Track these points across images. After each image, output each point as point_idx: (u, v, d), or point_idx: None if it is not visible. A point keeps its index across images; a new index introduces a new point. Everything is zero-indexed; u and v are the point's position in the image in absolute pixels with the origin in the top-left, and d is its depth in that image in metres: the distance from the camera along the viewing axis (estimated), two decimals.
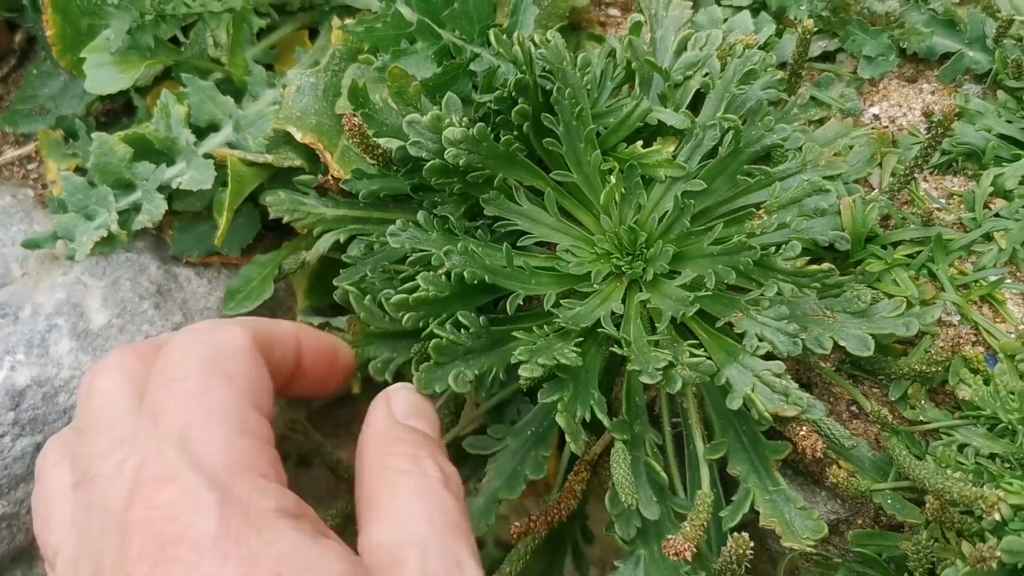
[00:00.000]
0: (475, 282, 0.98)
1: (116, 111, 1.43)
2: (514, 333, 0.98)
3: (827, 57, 1.25)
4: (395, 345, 1.04)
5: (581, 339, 1.00)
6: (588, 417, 0.96)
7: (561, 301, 1.03)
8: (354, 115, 1.01)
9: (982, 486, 0.91)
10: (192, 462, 0.64)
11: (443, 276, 0.98)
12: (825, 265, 0.99)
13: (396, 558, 0.68)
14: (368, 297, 1.03)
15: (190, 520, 0.61)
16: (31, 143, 1.42)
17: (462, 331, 0.96)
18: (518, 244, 1.10)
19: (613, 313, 1.03)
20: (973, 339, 1.01)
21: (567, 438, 0.93)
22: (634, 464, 0.99)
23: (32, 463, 1.16)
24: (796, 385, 0.95)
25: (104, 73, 1.19)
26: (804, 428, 0.94)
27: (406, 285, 0.99)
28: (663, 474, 0.99)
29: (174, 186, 1.12)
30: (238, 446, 0.67)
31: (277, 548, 0.62)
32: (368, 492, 0.76)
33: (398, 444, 0.79)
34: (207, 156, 1.16)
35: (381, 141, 1.07)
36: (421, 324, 0.97)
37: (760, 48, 1.19)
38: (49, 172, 1.37)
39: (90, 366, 1.00)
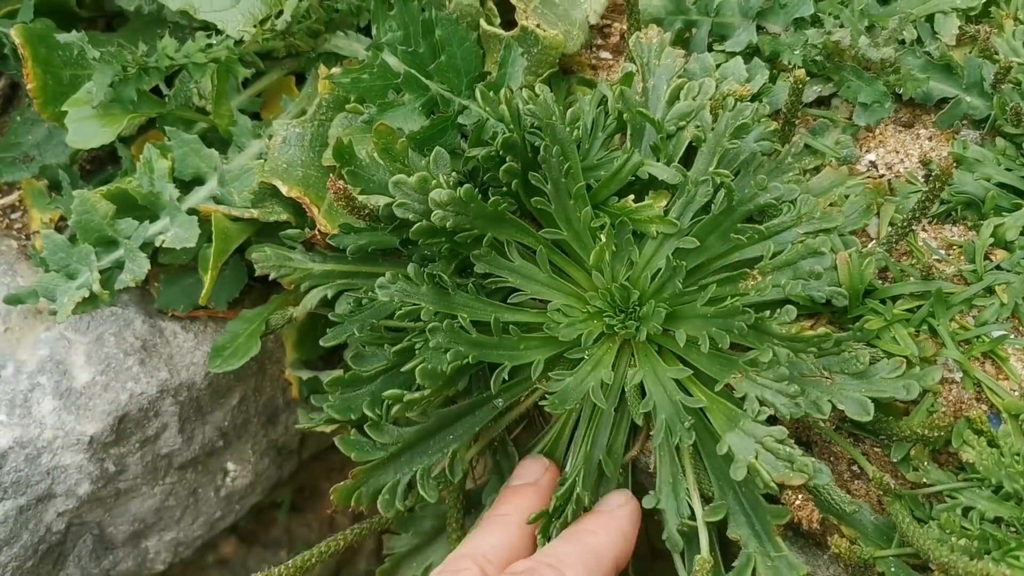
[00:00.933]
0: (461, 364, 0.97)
1: (102, 158, 1.41)
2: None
3: (822, 101, 1.23)
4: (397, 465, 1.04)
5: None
6: None
7: (550, 373, 1.01)
8: (339, 179, 0.99)
9: (988, 554, 0.89)
10: None
11: (438, 368, 0.96)
12: (821, 330, 0.97)
13: None
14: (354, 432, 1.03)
15: None
16: (15, 192, 1.40)
17: None
18: (509, 301, 1.08)
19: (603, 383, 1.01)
20: (976, 397, 0.99)
21: None
22: None
23: (15, 526, 1.14)
24: (800, 450, 0.92)
25: (86, 127, 1.16)
26: (800, 496, 0.92)
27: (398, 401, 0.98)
28: None
29: (157, 244, 1.10)
30: None
31: None
32: None
33: None
34: (191, 211, 1.14)
35: (368, 199, 1.05)
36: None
37: (754, 96, 1.18)
38: (33, 222, 1.35)
39: None
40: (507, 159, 1.04)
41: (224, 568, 1.65)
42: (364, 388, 1.05)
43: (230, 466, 1.34)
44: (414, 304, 1.00)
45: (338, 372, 1.18)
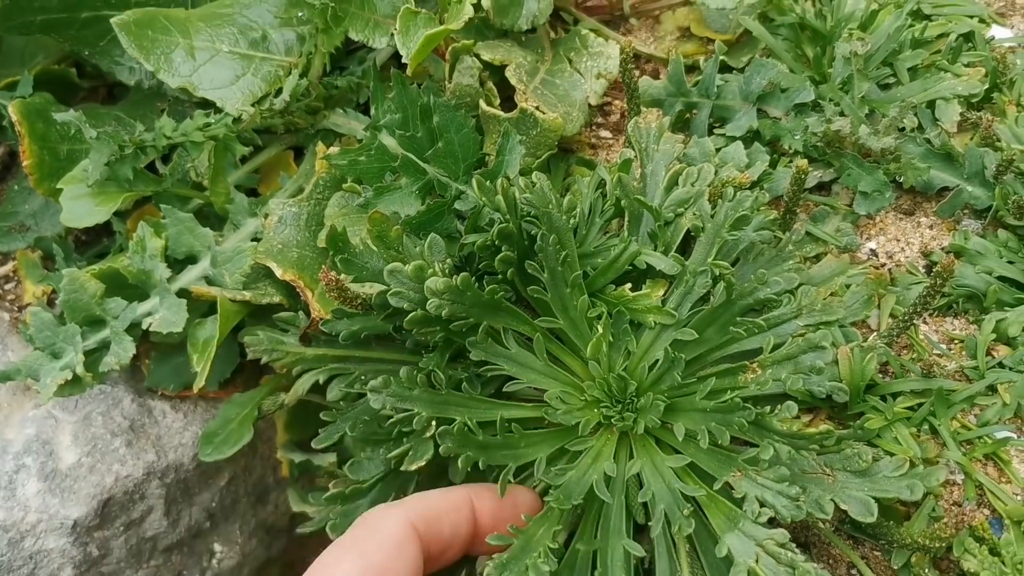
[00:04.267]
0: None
1: (97, 230, 1.39)
2: None
3: (823, 187, 1.22)
4: None
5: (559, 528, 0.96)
6: None
7: (552, 468, 0.99)
8: (330, 271, 0.97)
9: None
10: None
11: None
12: (823, 428, 0.95)
13: None
14: None
15: None
16: (10, 262, 1.39)
17: None
18: (504, 390, 1.06)
19: (605, 475, 0.99)
20: (978, 501, 0.97)
21: None
22: None
23: None
24: (802, 555, 0.90)
25: (80, 206, 1.16)
26: None
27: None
28: None
29: (144, 326, 1.08)
30: None
31: None
32: None
33: None
34: (182, 292, 1.13)
35: (360, 287, 1.04)
36: None
37: (755, 182, 1.17)
38: (26, 294, 1.34)
39: None
40: (503, 248, 1.03)
41: None
42: (365, 498, 1.04)
43: (217, 547, 1.31)
44: (407, 410, 0.98)
45: (332, 457, 1.16)
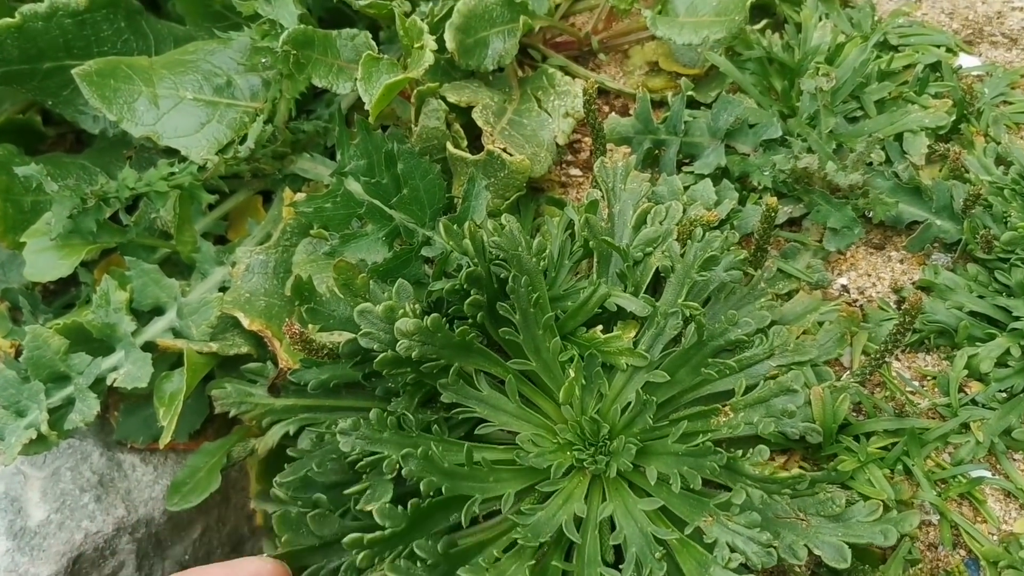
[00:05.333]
0: (433, 498, 0.93)
1: (65, 280, 1.38)
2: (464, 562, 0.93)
3: (793, 222, 1.22)
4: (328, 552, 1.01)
5: (532, 563, 0.95)
6: None
7: (521, 507, 0.98)
8: (294, 324, 0.96)
9: None
10: None
11: (399, 508, 0.92)
12: (795, 472, 0.94)
13: None
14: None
15: None
16: None
17: (418, 564, 0.90)
18: (476, 432, 1.05)
19: (575, 516, 0.97)
20: (953, 543, 0.96)
21: None
22: None
23: None
24: None
25: (44, 259, 1.14)
26: None
27: (358, 524, 0.95)
28: None
29: (109, 382, 1.07)
30: None
31: None
32: None
33: None
34: (148, 345, 1.11)
35: (327, 336, 1.03)
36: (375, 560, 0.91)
37: (723, 220, 1.17)
38: None
39: None
40: (472, 292, 1.02)
41: None
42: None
43: None
44: (376, 453, 0.96)
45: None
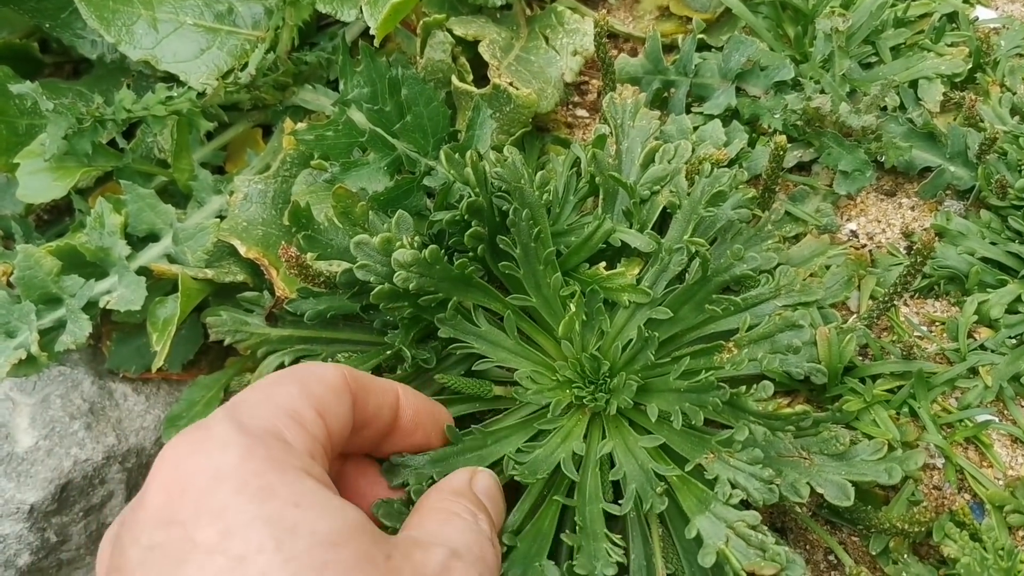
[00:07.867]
0: None
1: (60, 209, 1.36)
2: None
3: (803, 167, 1.19)
4: None
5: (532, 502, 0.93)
6: None
7: (520, 445, 0.96)
8: (291, 247, 0.94)
9: None
10: (230, 417, 0.66)
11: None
12: (799, 408, 0.92)
13: (422, 544, 0.70)
14: None
15: (213, 453, 0.63)
16: None
17: None
18: (474, 368, 1.03)
19: (574, 454, 0.96)
20: (959, 486, 0.94)
21: None
22: None
23: None
24: (772, 537, 0.87)
25: (38, 181, 1.12)
26: None
27: None
28: None
29: (102, 304, 1.04)
30: (282, 423, 0.69)
31: (297, 488, 0.63)
32: (418, 520, 0.78)
33: (465, 502, 0.81)
34: (142, 270, 1.09)
35: (325, 265, 1.00)
36: None
37: (732, 160, 1.14)
38: None
39: None
40: (472, 223, 0.99)
41: None
42: None
43: None
44: None
45: None
